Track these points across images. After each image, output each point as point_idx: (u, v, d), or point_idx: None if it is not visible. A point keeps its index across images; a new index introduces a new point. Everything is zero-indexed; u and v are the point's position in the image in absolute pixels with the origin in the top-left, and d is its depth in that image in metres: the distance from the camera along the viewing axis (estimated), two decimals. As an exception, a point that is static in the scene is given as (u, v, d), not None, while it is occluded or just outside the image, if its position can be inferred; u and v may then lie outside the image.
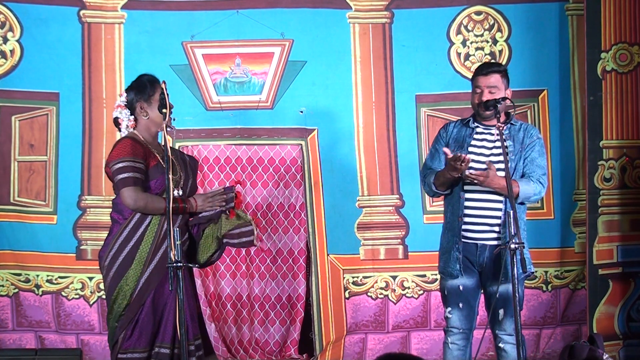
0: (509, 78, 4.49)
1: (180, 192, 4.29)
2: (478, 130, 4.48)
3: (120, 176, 4.18)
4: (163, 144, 4.20)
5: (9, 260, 5.82)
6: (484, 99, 4.38)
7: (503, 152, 4.19)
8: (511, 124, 4.45)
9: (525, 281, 5.81)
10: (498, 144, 4.39)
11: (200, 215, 4.38)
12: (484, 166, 4.38)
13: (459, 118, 4.74)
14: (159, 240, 4.21)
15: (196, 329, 4.34)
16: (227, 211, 4.37)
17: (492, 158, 4.39)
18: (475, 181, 4.26)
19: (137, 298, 4.18)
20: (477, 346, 4.46)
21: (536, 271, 5.80)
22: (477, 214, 4.40)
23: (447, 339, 4.48)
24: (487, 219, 4.39)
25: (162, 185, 4.23)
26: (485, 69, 4.46)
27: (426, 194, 4.92)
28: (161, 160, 4.27)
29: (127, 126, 4.32)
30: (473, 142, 4.46)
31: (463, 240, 4.42)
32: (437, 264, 5.83)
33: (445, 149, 4.30)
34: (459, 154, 4.21)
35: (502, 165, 4.26)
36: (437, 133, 4.62)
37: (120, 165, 4.18)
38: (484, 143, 4.45)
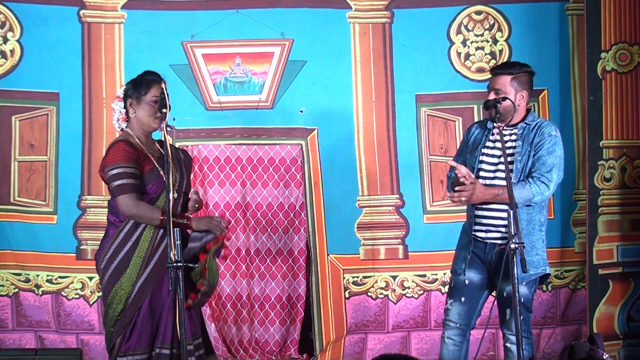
0: (530, 79, 4.44)
1: (176, 195, 4.22)
2: (495, 131, 4.47)
3: (116, 183, 4.13)
4: (164, 141, 4.17)
5: (9, 260, 5.82)
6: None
7: (503, 153, 4.18)
8: (526, 123, 4.41)
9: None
10: (509, 144, 4.37)
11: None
12: (492, 167, 4.39)
13: (480, 120, 4.71)
14: (156, 244, 4.17)
15: (195, 328, 4.30)
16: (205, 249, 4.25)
17: (501, 158, 4.37)
18: (463, 199, 4.29)
19: (133, 302, 4.14)
20: (476, 346, 4.47)
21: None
22: (485, 214, 4.40)
23: (444, 333, 4.49)
24: (494, 219, 4.39)
25: (157, 189, 4.18)
26: (493, 70, 4.46)
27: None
28: (156, 163, 4.23)
29: (118, 119, 4.28)
30: (487, 144, 4.46)
31: (474, 239, 4.43)
32: (437, 264, 5.90)
33: (451, 163, 4.37)
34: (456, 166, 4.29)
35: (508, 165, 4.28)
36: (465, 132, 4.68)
37: (115, 171, 4.12)
38: (497, 144, 4.43)
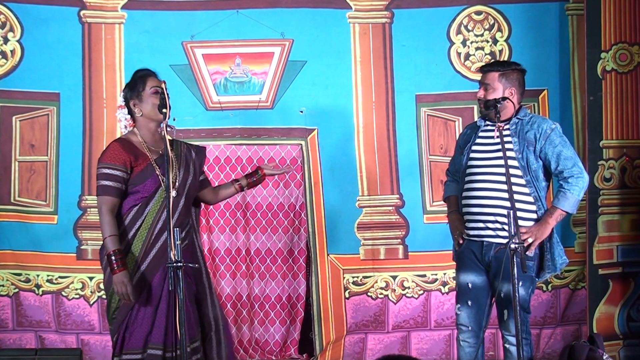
0: (519, 77, 4.48)
1: (175, 194, 4.17)
2: (485, 128, 4.50)
3: (98, 183, 4.16)
4: (164, 141, 4.14)
5: (9, 260, 5.82)
6: (478, 96, 4.46)
7: (503, 152, 4.20)
8: (519, 119, 4.43)
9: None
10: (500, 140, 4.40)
11: None
12: (484, 163, 4.41)
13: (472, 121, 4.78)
14: (150, 243, 4.15)
15: (192, 331, 4.26)
16: None
17: (493, 155, 4.40)
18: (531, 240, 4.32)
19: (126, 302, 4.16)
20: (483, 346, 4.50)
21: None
22: (477, 211, 4.41)
23: (459, 336, 4.52)
24: (490, 216, 4.37)
25: (152, 188, 4.17)
26: (483, 67, 4.54)
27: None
28: (155, 162, 4.21)
29: (126, 126, 4.30)
30: (477, 141, 4.49)
31: (468, 238, 4.45)
32: (437, 264, 5.90)
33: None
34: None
35: (501, 162, 4.26)
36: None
37: (101, 171, 4.16)
38: (487, 140, 4.46)
